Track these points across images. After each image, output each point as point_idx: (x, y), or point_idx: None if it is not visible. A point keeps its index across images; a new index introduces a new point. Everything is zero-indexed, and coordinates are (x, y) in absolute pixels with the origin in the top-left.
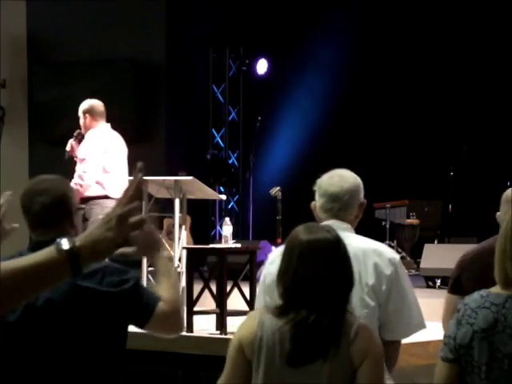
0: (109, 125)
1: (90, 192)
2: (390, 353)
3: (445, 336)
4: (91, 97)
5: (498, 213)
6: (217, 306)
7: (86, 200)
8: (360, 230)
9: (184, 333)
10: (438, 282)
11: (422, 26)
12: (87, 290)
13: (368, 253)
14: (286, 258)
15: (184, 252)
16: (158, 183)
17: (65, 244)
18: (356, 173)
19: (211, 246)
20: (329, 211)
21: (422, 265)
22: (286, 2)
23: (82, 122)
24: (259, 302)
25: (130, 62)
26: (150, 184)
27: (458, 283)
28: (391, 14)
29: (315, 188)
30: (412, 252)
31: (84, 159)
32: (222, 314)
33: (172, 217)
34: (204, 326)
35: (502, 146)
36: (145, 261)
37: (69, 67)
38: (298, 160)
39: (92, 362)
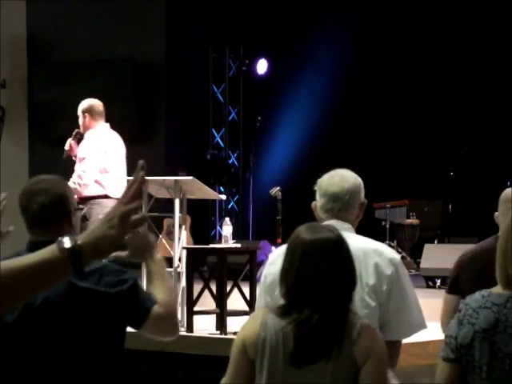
0: (108, 125)
1: (89, 192)
2: (391, 353)
3: (446, 336)
4: (91, 97)
5: (496, 213)
6: (217, 306)
7: (86, 200)
8: (360, 230)
9: (184, 333)
10: (438, 282)
11: (422, 26)
12: (85, 290)
13: (369, 253)
14: (289, 257)
15: (184, 252)
16: (158, 183)
17: (67, 242)
18: (356, 173)
19: (211, 246)
20: (329, 211)
21: (422, 265)
22: (286, 2)
23: (81, 121)
24: (260, 302)
25: (130, 61)
26: (149, 184)
27: (456, 283)
28: (391, 14)
29: (316, 188)
30: (412, 252)
31: (84, 158)
32: (221, 314)
33: (172, 217)
34: (204, 325)
35: (502, 146)
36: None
37: (69, 67)
38: (298, 160)
39: (90, 362)
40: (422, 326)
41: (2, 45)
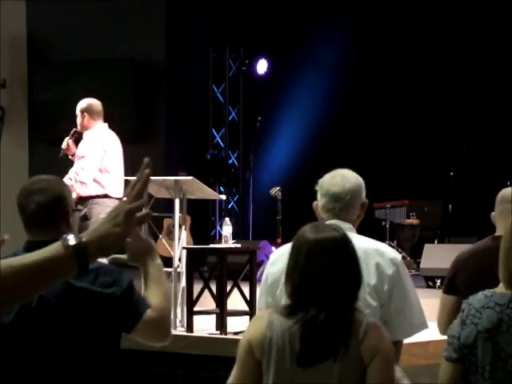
0: (106, 124)
1: (89, 191)
2: None
3: (449, 336)
4: (91, 96)
5: (493, 213)
6: (217, 306)
7: (86, 199)
8: (360, 230)
9: (184, 333)
10: (438, 282)
11: (422, 26)
12: (81, 290)
13: (370, 253)
14: (294, 257)
15: (184, 252)
16: (158, 183)
17: (71, 240)
18: (356, 173)
19: (211, 246)
20: (330, 211)
21: (422, 265)
22: (286, 2)
23: (79, 120)
24: (261, 302)
25: (130, 61)
26: (150, 184)
27: (453, 283)
28: (391, 14)
29: (317, 188)
30: (412, 252)
31: (83, 156)
32: (221, 314)
33: (172, 217)
34: (204, 325)
35: (502, 146)
36: None
37: (69, 67)
38: (298, 160)
39: (87, 362)
40: (423, 325)
41: (2, 45)
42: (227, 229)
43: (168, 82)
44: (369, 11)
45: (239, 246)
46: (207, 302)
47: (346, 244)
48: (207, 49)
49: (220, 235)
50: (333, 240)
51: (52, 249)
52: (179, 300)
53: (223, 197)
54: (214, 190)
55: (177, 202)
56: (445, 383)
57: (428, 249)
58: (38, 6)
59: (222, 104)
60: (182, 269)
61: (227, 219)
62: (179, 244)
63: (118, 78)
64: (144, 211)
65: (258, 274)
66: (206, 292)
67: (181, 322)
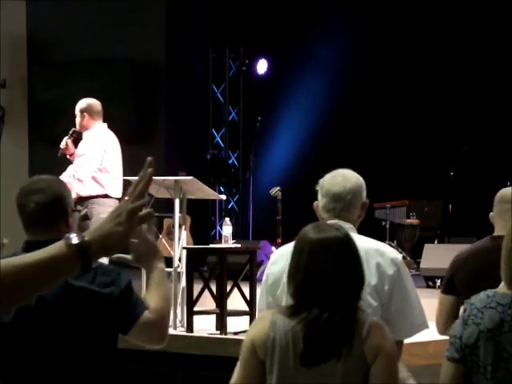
0: (106, 124)
1: (89, 191)
2: None
3: (451, 336)
4: (91, 97)
5: (492, 213)
6: (217, 306)
7: (86, 199)
8: (360, 230)
9: (184, 333)
10: (438, 282)
11: (422, 26)
12: (80, 289)
13: (370, 253)
14: (296, 257)
15: (184, 252)
16: (158, 183)
17: (74, 238)
18: (356, 173)
19: (211, 246)
20: (331, 211)
21: (422, 265)
22: (286, 2)
23: (78, 120)
24: (261, 302)
25: (130, 61)
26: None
27: (451, 283)
28: (391, 14)
29: (318, 188)
30: (412, 252)
31: (83, 155)
32: (221, 314)
33: (172, 217)
34: (204, 325)
35: (502, 146)
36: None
37: (69, 67)
38: (298, 160)
39: (85, 361)
40: (424, 325)
41: (2, 45)
42: (227, 229)
43: (168, 82)
44: (369, 11)
45: (239, 246)
46: (207, 301)
47: (348, 243)
48: (207, 49)
49: (220, 235)
50: (335, 240)
51: (54, 248)
52: (179, 300)
53: (223, 197)
54: (214, 190)
55: (177, 202)
56: (446, 383)
57: (428, 249)
58: (37, 5)
59: (222, 104)
60: (182, 269)
61: (227, 219)
62: (179, 244)
63: (118, 78)
64: (146, 210)
65: (258, 274)
66: (206, 292)
67: (181, 321)
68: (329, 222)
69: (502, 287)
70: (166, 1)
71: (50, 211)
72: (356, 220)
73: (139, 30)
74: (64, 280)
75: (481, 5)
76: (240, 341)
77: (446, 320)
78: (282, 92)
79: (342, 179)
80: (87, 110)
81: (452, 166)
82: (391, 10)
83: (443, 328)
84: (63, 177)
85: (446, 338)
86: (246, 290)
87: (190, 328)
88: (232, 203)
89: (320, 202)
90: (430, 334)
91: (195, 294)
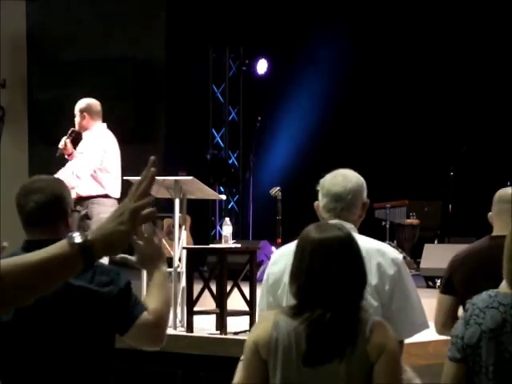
0: (105, 124)
1: (89, 191)
2: None
3: (452, 336)
4: (91, 97)
5: (490, 213)
6: (217, 306)
7: (86, 199)
8: (360, 230)
9: (184, 333)
10: (438, 282)
11: (422, 27)
12: (80, 288)
13: (371, 253)
14: (298, 257)
15: (184, 252)
16: (158, 183)
17: (77, 237)
18: (356, 173)
19: (211, 246)
20: (332, 211)
21: (422, 265)
22: (286, 3)
23: (78, 120)
24: (262, 302)
25: (130, 61)
26: None
27: (449, 283)
28: (391, 15)
29: (318, 188)
30: (412, 252)
31: (82, 153)
32: (221, 314)
33: (172, 217)
34: (204, 325)
35: (502, 145)
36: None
37: (69, 67)
38: (298, 160)
39: (84, 361)
40: (424, 325)
41: (2, 45)
42: (227, 229)
43: (168, 82)
44: (369, 12)
45: (239, 245)
46: (207, 301)
47: (350, 243)
48: (207, 49)
49: (220, 235)
50: (337, 239)
51: (57, 247)
52: (179, 300)
53: (223, 197)
54: (214, 190)
55: (177, 202)
56: (448, 383)
57: (428, 249)
58: (37, 6)
59: (222, 104)
60: (182, 269)
61: (227, 219)
62: (179, 244)
63: (118, 78)
64: (149, 210)
65: (258, 273)
66: (206, 292)
67: (181, 321)
68: (330, 221)
69: (504, 287)
70: (166, 1)
71: (50, 211)
72: (357, 220)
73: (139, 29)
74: (66, 279)
75: (480, 5)
76: (240, 341)
77: (445, 320)
78: (281, 92)
79: (343, 179)
80: (87, 110)
81: (452, 166)
82: (391, 11)
83: (441, 328)
84: (62, 172)
85: (446, 338)
86: (246, 290)
87: (190, 328)
88: (232, 203)
89: (321, 202)
90: (430, 334)
91: (195, 294)
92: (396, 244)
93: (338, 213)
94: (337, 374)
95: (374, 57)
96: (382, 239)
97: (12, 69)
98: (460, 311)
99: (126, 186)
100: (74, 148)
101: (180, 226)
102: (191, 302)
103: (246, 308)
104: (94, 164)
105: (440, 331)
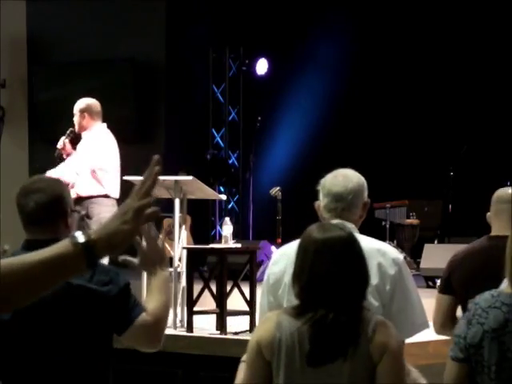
0: (105, 124)
1: (90, 191)
2: None
3: (455, 335)
4: (91, 97)
5: (489, 213)
6: (217, 306)
7: (86, 199)
8: (360, 230)
9: (184, 333)
10: (438, 281)
11: (422, 26)
12: (79, 287)
13: (372, 253)
14: (301, 257)
15: (184, 252)
16: (158, 183)
17: (80, 237)
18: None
19: (211, 245)
20: (332, 211)
21: (422, 265)
22: (286, 2)
23: (77, 120)
24: (263, 302)
25: (130, 61)
26: None
27: (448, 283)
28: (391, 14)
29: (319, 188)
30: (412, 252)
31: (82, 152)
32: (221, 314)
33: (172, 217)
34: (204, 325)
35: (502, 146)
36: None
37: (69, 67)
38: (298, 160)
39: (83, 360)
40: (425, 325)
41: (2, 45)
42: (227, 229)
43: (168, 82)
44: (369, 11)
45: (239, 245)
46: (207, 301)
47: (352, 243)
48: (207, 49)
49: (220, 235)
50: (339, 239)
51: (60, 246)
52: (179, 300)
53: (223, 197)
54: (214, 190)
55: (177, 201)
56: (450, 383)
57: (428, 249)
58: (37, 6)
59: (222, 104)
60: (182, 269)
61: (227, 219)
62: (179, 244)
63: (118, 78)
64: (152, 209)
65: (258, 273)
66: (206, 292)
67: (181, 321)
68: (331, 221)
69: (507, 287)
70: (166, 1)
71: (50, 211)
72: (358, 220)
73: (139, 29)
74: (68, 279)
75: (480, 5)
76: (240, 341)
77: (444, 320)
78: (282, 92)
79: (344, 179)
80: (87, 110)
81: (452, 166)
82: (391, 10)
83: (440, 328)
84: (60, 167)
85: (446, 338)
86: (246, 290)
87: (190, 328)
88: (232, 203)
89: (321, 202)
90: (430, 334)
91: (195, 294)
92: (396, 244)
93: (339, 213)
94: (340, 374)
95: (374, 57)
96: (382, 239)
97: (12, 69)
98: (459, 311)
99: (125, 186)
100: (73, 148)
101: (180, 226)
102: (191, 301)
103: (246, 308)
104: (93, 162)
105: (438, 331)
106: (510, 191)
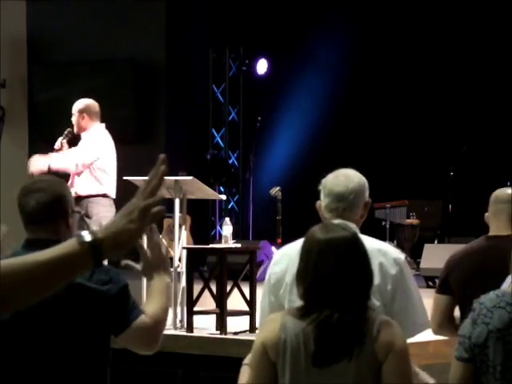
0: (103, 125)
1: (90, 190)
2: None
3: (460, 335)
4: (91, 97)
5: (487, 213)
6: (217, 306)
7: (84, 198)
8: (360, 230)
9: (184, 333)
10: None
11: (422, 26)
12: (79, 286)
13: (373, 252)
14: (305, 257)
15: (184, 252)
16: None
17: (87, 236)
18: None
19: (211, 246)
20: (334, 211)
21: (422, 265)
22: (286, 3)
23: (76, 120)
24: (264, 302)
25: (130, 61)
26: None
27: (446, 283)
28: (391, 14)
29: (320, 187)
30: (412, 252)
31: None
32: (221, 314)
33: (172, 217)
34: (204, 325)
35: (502, 146)
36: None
37: (69, 67)
38: (298, 160)
39: (82, 360)
40: (426, 325)
41: (2, 45)
42: (227, 229)
43: (168, 82)
44: (369, 11)
45: (239, 245)
46: (207, 301)
47: (356, 243)
48: (207, 49)
49: (220, 235)
50: (343, 239)
51: (66, 246)
52: (179, 300)
53: (223, 197)
54: (214, 190)
55: (177, 202)
56: (455, 383)
57: (428, 249)
58: (37, 6)
59: (222, 104)
60: (182, 269)
61: (227, 219)
62: (179, 244)
63: (118, 78)
64: (157, 208)
65: (258, 273)
66: (206, 292)
67: (181, 321)
68: (333, 221)
69: (508, 286)
70: (166, 1)
71: (51, 210)
72: (359, 220)
73: (139, 29)
74: (74, 278)
75: (480, 5)
76: (240, 341)
77: (441, 320)
78: (282, 92)
79: (345, 179)
80: (86, 111)
81: (452, 166)
82: (391, 10)
83: (437, 328)
84: (63, 152)
85: (446, 338)
86: (246, 290)
87: (190, 328)
88: (232, 203)
89: (323, 202)
90: (430, 334)
91: (195, 294)
92: (396, 244)
93: (340, 213)
94: (345, 374)
95: (374, 57)
96: (382, 239)
97: (12, 69)
98: (456, 311)
99: (125, 186)
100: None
101: (180, 226)
102: (191, 301)
103: (246, 308)
104: (90, 156)
105: (436, 331)
106: (508, 191)
